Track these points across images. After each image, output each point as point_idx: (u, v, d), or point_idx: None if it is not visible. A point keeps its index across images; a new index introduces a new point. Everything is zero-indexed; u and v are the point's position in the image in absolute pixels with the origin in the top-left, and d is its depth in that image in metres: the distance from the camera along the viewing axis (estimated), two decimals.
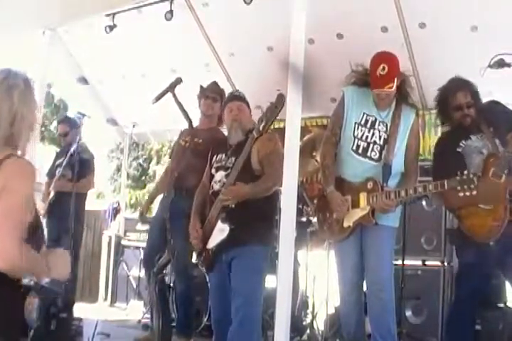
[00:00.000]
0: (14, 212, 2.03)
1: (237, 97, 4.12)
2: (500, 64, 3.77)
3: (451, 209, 4.02)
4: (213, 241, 3.80)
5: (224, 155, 4.00)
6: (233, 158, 3.85)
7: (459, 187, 3.31)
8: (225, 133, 4.98)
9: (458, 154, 3.88)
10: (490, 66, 3.80)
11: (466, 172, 3.32)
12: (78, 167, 5.52)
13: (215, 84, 5.18)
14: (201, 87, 5.10)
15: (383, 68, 3.58)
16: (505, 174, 3.63)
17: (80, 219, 5.94)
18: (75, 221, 5.54)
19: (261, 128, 3.62)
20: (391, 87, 3.62)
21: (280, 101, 3.60)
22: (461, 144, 3.88)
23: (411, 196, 3.60)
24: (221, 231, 3.73)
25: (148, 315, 5.25)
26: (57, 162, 6.16)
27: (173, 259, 4.62)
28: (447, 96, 3.96)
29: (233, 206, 3.75)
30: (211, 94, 5.05)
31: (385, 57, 3.70)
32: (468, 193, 3.30)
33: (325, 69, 5.80)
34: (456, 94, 3.90)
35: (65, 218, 5.45)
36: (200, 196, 4.12)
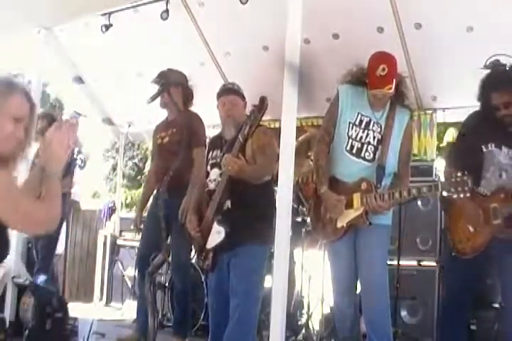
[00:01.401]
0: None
1: (230, 90, 4.04)
2: (496, 65, 3.77)
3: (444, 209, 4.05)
4: (212, 243, 3.80)
5: (219, 151, 3.98)
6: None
7: (452, 189, 3.31)
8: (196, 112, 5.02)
9: (480, 152, 3.74)
10: (486, 67, 3.80)
11: (459, 174, 3.30)
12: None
13: (166, 70, 5.07)
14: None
15: (383, 69, 3.56)
16: (502, 219, 3.58)
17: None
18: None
19: (245, 132, 3.62)
20: (390, 88, 3.60)
21: (262, 104, 3.60)
22: (489, 146, 3.73)
23: (405, 198, 3.60)
24: (218, 233, 3.74)
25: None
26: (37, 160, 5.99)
27: (169, 259, 4.62)
28: (485, 93, 3.78)
29: (229, 206, 3.75)
30: (155, 79, 4.94)
31: (384, 58, 3.68)
32: (462, 195, 3.29)
33: (321, 69, 5.81)
34: (491, 93, 3.72)
35: None
36: (197, 194, 4.11)
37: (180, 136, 4.79)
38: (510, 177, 3.63)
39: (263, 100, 3.62)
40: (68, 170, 5.69)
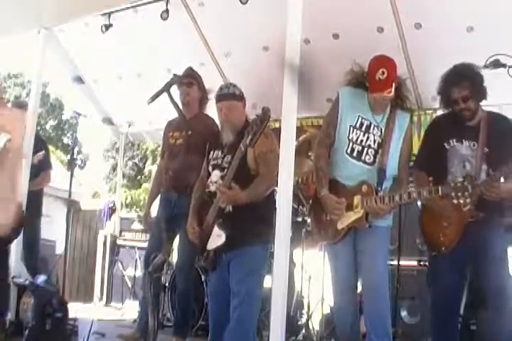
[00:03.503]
0: None
1: (226, 96, 3.94)
2: (496, 64, 3.78)
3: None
4: (212, 245, 3.80)
5: (220, 152, 3.97)
6: (229, 157, 3.84)
7: (452, 194, 3.32)
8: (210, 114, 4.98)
9: (443, 150, 3.86)
10: (486, 66, 3.80)
11: (460, 179, 3.34)
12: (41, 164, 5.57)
13: (188, 69, 5.10)
14: (174, 75, 5.01)
15: (382, 72, 3.57)
16: (470, 206, 3.61)
17: (39, 212, 5.97)
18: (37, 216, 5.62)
19: (248, 141, 3.61)
20: (390, 92, 3.61)
21: (265, 115, 3.60)
22: (451, 142, 3.85)
23: (405, 201, 3.61)
24: (218, 236, 3.74)
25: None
26: None
27: (171, 258, 4.62)
28: (445, 88, 3.91)
29: (230, 209, 3.76)
30: (184, 79, 4.96)
31: (384, 62, 3.68)
32: (462, 201, 3.31)
33: (321, 69, 5.82)
34: (451, 88, 3.85)
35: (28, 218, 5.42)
36: (198, 194, 4.11)
37: (197, 141, 4.72)
38: (473, 165, 3.75)
39: (266, 111, 3.61)
40: (39, 169, 5.74)
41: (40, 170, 5.91)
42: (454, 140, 3.85)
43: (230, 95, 3.94)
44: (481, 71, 3.81)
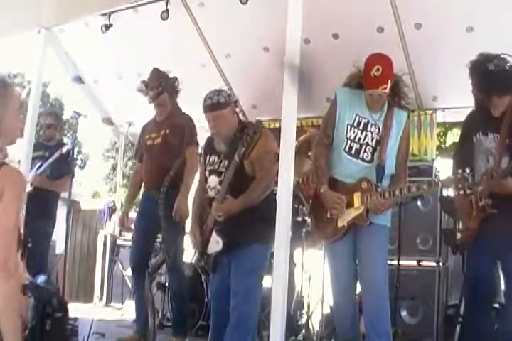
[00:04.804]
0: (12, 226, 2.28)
1: (211, 106, 3.84)
2: (496, 64, 3.78)
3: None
4: (211, 249, 3.83)
5: (216, 158, 3.96)
6: (226, 161, 3.85)
7: (453, 186, 3.32)
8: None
9: (471, 144, 3.84)
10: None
11: (460, 170, 3.33)
12: (64, 165, 5.59)
13: (154, 71, 5.14)
14: (142, 81, 5.10)
15: (378, 69, 3.59)
16: (486, 201, 3.60)
17: (53, 220, 5.95)
18: (49, 221, 5.65)
19: (241, 152, 3.68)
20: (385, 88, 3.62)
21: (258, 127, 3.70)
22: (477, 135, 3.82)
23: (405, 195, 3.62)
24: (216, 242, 3.77)
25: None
26: (35, 154, 5.79)
27: (167, 258, 4.62)
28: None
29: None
30: (152, 83, 5.02)
31: (379, 59, 3.70)
32: (462, 191, 3.31)
33: (321, 69, 5.82)
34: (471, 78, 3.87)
35: (39, 217, 5.44)
36: (197, 199, 4.11)
37: (175, 137, 4.85)
38: (495, 158, 3.69)
39: (258, 124, 3.77)
40: (63, 170, 5.73)
41: (64, 170, 5.73)
42: (480, 133, 3.81)
43: (213, 105, 3.85)
44: (494, 64, 3.75)
